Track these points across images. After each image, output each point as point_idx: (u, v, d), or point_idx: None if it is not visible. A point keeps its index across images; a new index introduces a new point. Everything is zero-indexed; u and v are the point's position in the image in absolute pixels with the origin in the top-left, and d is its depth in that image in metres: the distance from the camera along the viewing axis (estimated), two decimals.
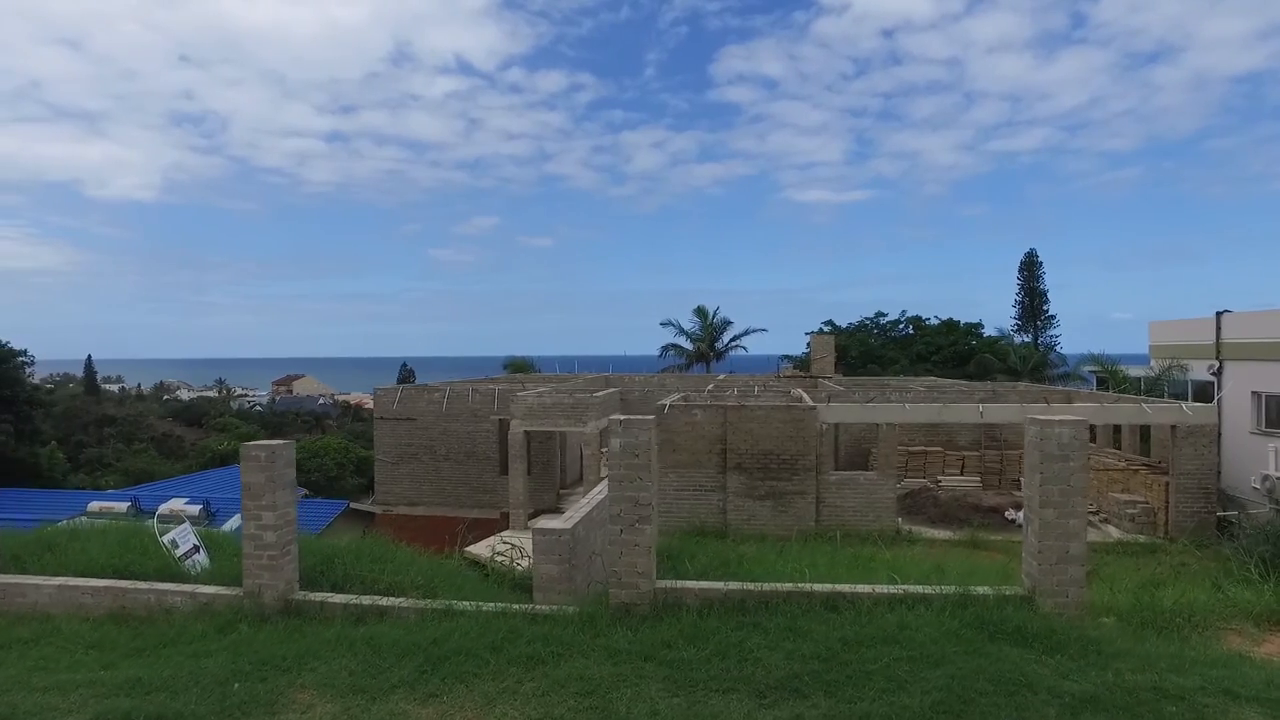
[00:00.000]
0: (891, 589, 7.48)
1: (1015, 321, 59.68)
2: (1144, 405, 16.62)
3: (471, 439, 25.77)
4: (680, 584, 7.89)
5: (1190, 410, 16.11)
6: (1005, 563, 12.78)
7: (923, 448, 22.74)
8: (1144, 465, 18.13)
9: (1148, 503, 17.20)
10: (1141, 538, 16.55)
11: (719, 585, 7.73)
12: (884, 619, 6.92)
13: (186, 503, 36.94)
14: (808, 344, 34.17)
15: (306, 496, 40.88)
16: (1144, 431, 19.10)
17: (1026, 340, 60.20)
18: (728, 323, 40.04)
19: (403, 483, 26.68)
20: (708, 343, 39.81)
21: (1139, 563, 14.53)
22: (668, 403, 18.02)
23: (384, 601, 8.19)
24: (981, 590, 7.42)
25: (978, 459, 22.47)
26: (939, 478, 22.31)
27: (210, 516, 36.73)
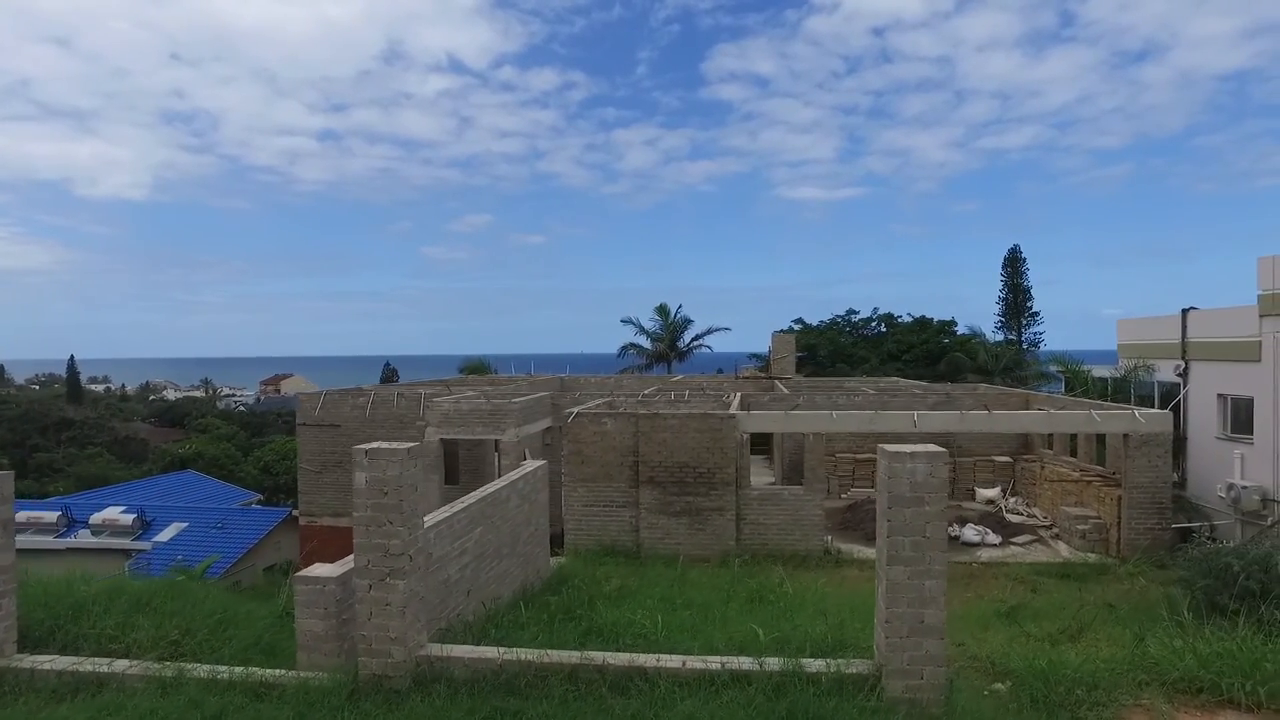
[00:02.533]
0: (705, 663, 5.92)
1: (999, 318, 58.36)
2: (1094, 412, 15.07)
3: None
4: (449, 651, 6.33)
5: (1143, 417, 14.56)
6: None
7: (871, 455, 21.18)
8: (1098, 476, 16.59)
9: (1100, 517, 15.68)
10: (1092, 556, 15.02)
11: (493, 654, 6.18)
12: (677, 708, 5.37)
13: (122, 512, 35.22)
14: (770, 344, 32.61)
15: (255, 504, 39.29)
16: (1101, 437, 17.57)
17: (1012, 338, 58.90)
18: (688, 321, 38.58)
19: (327, 492, 25.07)
20: (668, 342, 38.24)
21: (1081, 589, 13.00)
22: (575, 410, 16.44)
23: (109, 667, 6.65)
24: (818, 666, 5.86)
25: None
26: None
27: (145, 526, 35.02)
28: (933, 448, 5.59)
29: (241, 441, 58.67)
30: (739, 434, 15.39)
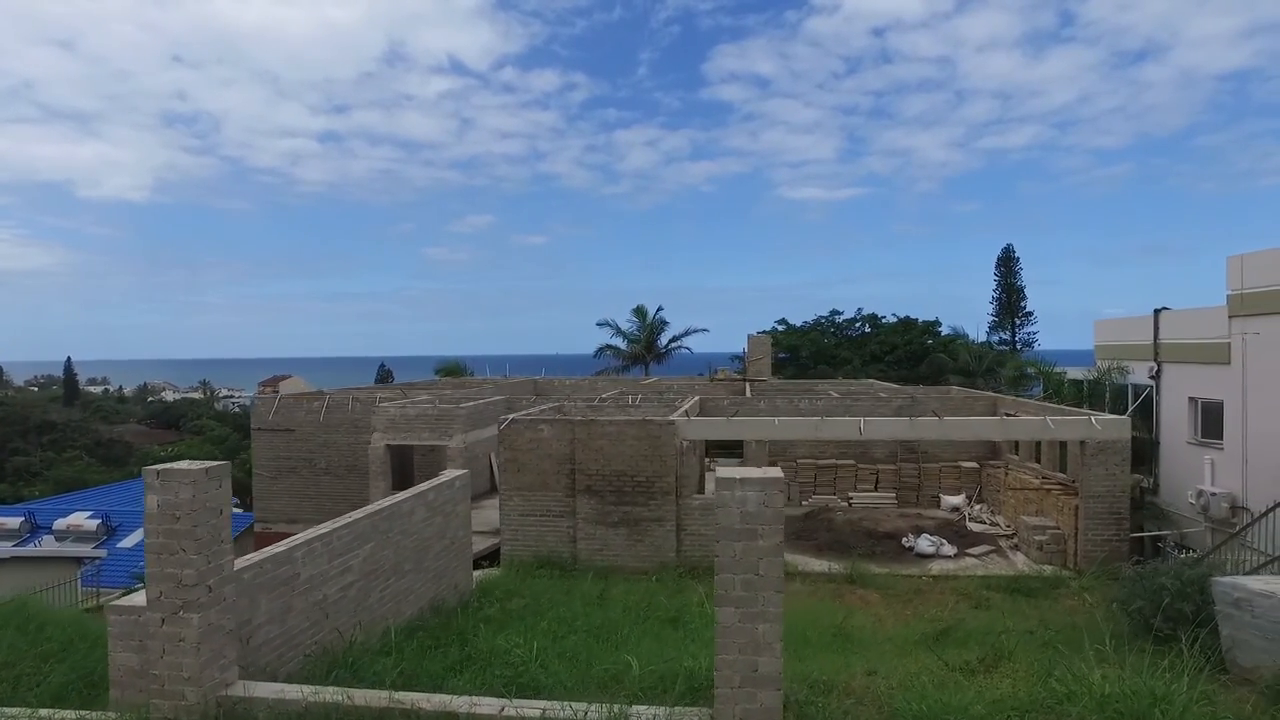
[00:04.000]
0: (520, 710, 5.28)
1: (993, 318, 57.68)
2: (1048, 419, 14.38)
3: (352, 451, 23.62)
4: (252, 691, 5.70)
5: (1099, 424, 13.86)
6: (843, 618, 10.60)
7: (833, 461, 20.54)
8: (1059, 484, 15.90)
9: (1058, 528, 14.99)
10: (1048, 569, 14.34)
11: (297, 695, 5.55)
12: None
13: (88, 517, 34.63)
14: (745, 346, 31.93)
15: (233, 509, 38.81)
16: (1066, 443, 16.88)
17: (1006, 337, 58.17)
18: (665, 323, 37.85)
19: (281, 498, 24.54)
20: (645, 344, 37.55)
21: (1030, 605, 12.34)
22: (511, 417, 15.81)
23: None
24: (648, 716, 5.22)
25: (894, 473, 20.28)
26: (850, 494, 20.12)
27: (110, 532, 34.39)
28: (771, 473, 4.94)
29: (233, 444, 58.18)
30: (679, 441, 14.74)
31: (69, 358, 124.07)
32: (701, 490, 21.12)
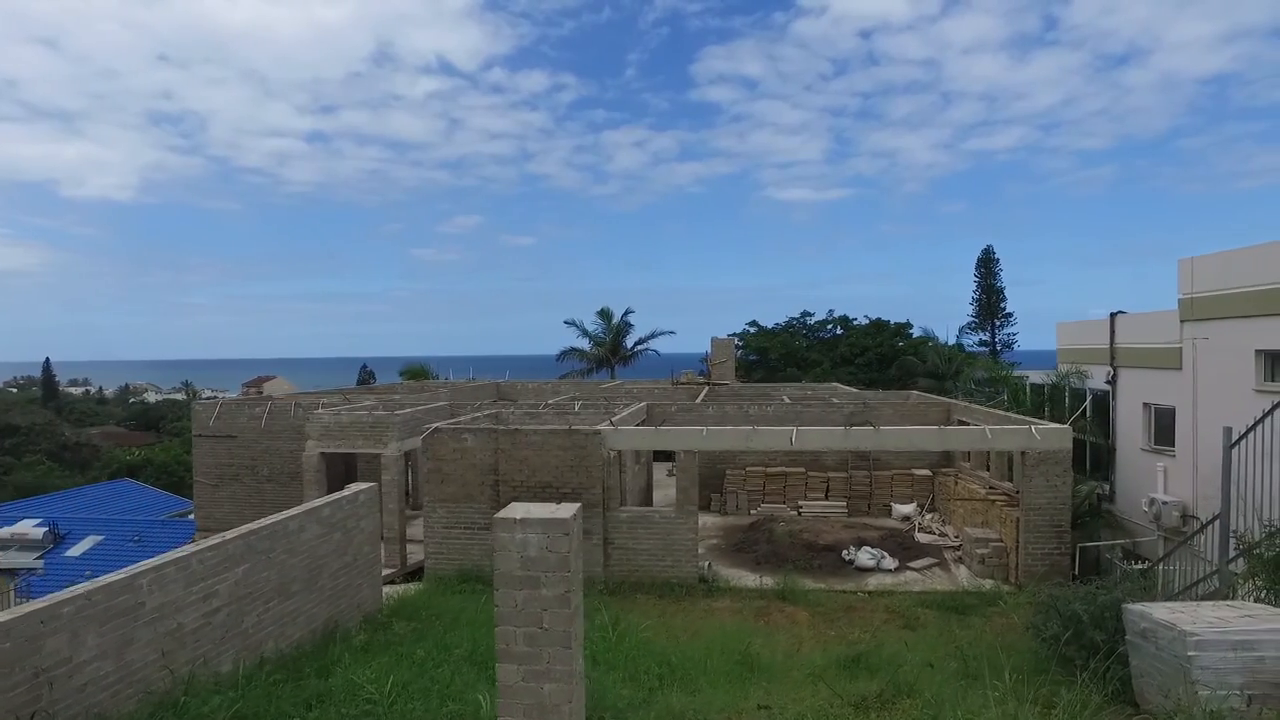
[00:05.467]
0: None
1: (972, 319, 57.37)
2: (987, 428, 13.81)
3: (295, 458, 22.84)
4: None
5: (1039, 433, 13.31)
6: (747, 645, 9.99)
7: (783, 469, 19.97)
8: (1004, 495, 15.37)
9: (1000, 540, 14.44)
10: (988, 584, 13.80)
11: None
12: None
13: (36, 525, 33.64)
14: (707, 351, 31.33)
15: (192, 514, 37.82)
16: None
17: (985, 338, 57.84)
18: (630, 325, 37.20)
19: (223, 506, 23.79)
20: (611, 346, 36.91)
21: (961, 624, 11.77)
22: (433, 426, 15.17)
23: None
24: None
25: (845, 481, 19.72)
26: (800, 503, 19.56)
27: (58, 540, 33.43)
28: (561, 512, 4.32)
29: None
30: (605, 451, 14.13)
31: (47, 359, 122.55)
32: (650, 502, 20.56)
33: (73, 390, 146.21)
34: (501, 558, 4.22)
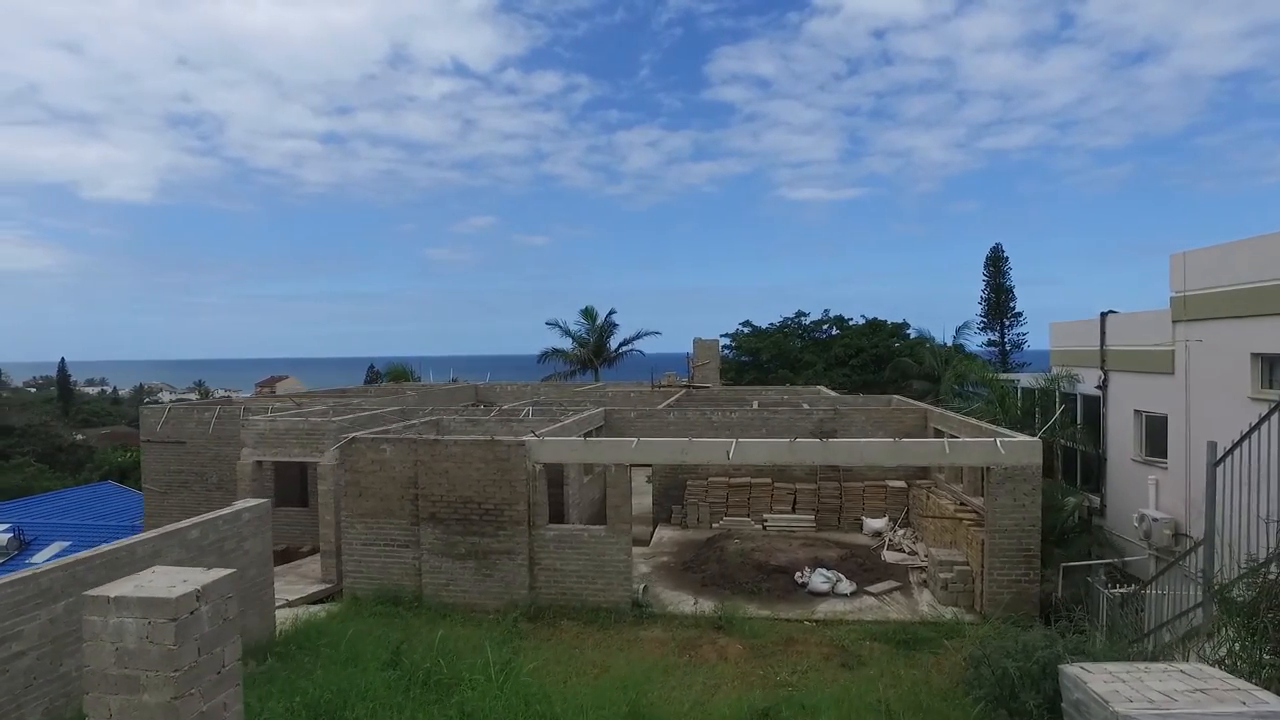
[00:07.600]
0: None
1: (981, 319, 55.65)
2: (945, 442, 12.47)
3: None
4: None
5: (1004, 447, 11.94)
6: (638, 695, 8.73)
7: (748, 480, 18.69)
8: (973, 513, 14.01)
9: (966, 564, 13.09)
10: (948, 614, 12.46)
11: None
12: None
13: (3, 530, 32.93)
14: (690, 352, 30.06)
15: None
16: None
17: (994, 338, 56.09)
18: (614, 325, 35.97)
19: (173, 514, 22.79)
20: (594, 347, 35.70)
21: (908, 664, 10.46)
22: (351, 435, 14.05)
23: None
24: None
25: (814, 493, 18.41)
26: (766, 516, 18.27)
27: (23, 546, 32.70)
28: (176, 589, 3.14)
29: None
30: (530, 464, 12.95)
31: (62, 359, 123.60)
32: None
33: (89, 390, 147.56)
34: (91, 650, 3.05)
